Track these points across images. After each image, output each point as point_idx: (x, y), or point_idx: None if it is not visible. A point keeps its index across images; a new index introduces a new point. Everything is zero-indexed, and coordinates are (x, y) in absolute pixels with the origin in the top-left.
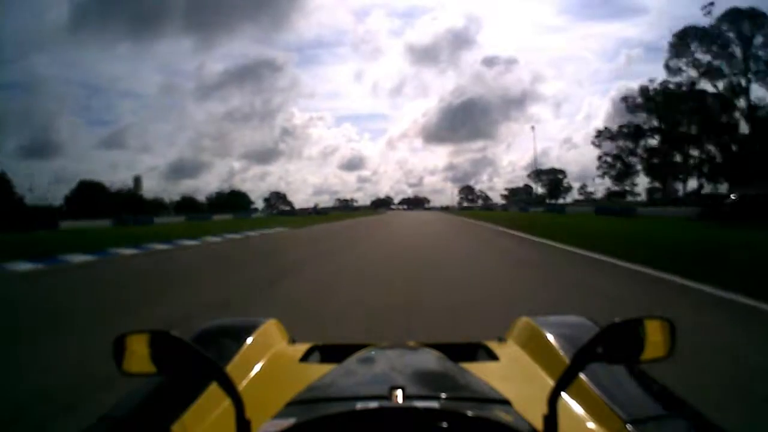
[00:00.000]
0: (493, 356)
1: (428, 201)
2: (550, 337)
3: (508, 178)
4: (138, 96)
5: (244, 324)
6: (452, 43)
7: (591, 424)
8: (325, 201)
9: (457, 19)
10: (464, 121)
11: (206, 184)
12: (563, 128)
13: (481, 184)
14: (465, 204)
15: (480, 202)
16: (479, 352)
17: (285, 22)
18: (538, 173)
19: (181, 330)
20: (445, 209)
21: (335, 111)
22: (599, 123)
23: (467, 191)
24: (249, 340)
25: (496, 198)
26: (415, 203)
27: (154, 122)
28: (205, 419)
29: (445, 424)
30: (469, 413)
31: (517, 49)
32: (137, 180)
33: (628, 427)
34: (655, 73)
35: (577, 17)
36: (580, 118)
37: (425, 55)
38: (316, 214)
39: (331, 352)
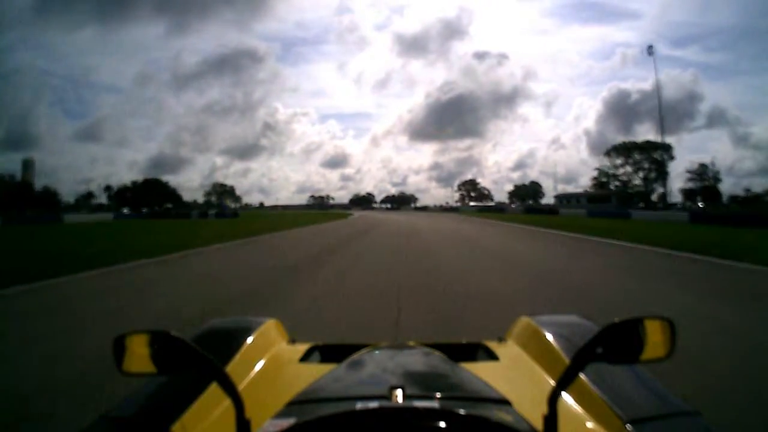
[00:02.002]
0: (493, 356)
1: (416, 199)
2: (550, 337)
3: (494, 179)
4: (111, 87)
5: (244, 324)
6: (440, 37)
7: (591, 424)
8: (302, 199)
9: (446, 12)
10: (450, 118)
11: (188, 181)
12: (551, 128)
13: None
14: (472, 203)
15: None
16: (479, 352)
17: (267, 13)
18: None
19: (182, 330)
20: (449, 210)
21: (320, 109)
22: (589, 124)
23: (470, 186)
24: (249, 340)
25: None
26: (401, 201)
27: (129, 115)
28: (205, 419)
29: (444, 424)
30: (469, 413)
31: (505, 47)
32: (27, 165)
33: (628, 427)
34: (642, 75)
35: (565, 20)
36: (569, 118)
37: (412, 48)
38: (223, 217)
39: (331, 352)
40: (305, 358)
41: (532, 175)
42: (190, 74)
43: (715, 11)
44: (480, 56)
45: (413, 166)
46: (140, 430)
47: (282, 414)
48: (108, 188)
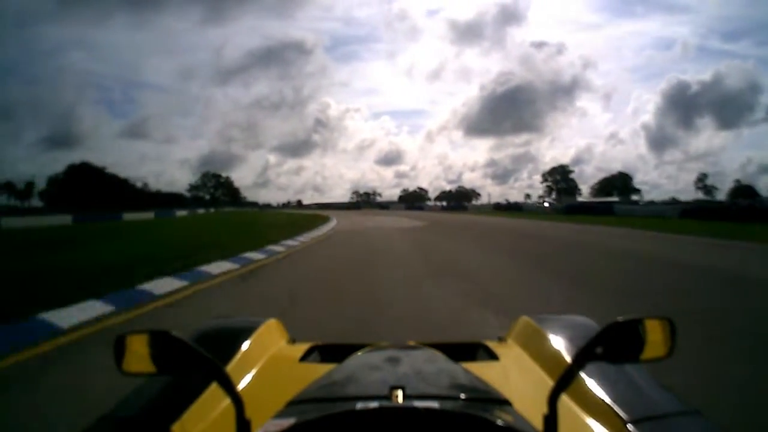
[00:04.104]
0: (493, 356)
1: (477, 195)
2: (550, 337)
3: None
4: (154, 84)
5: (244, 324)
6: (495, 22)
7: (591, 424)
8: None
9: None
10: (506, 111)
11: (241, 178)
12: (608, 123)
13: (520, 181)
14: (547, 201)
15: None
16: (479, 351)
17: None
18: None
19: (182, 330)
20: (509, 208)
21: (373, 106)
22: (647, 117)
23: (559, 175)
24: (249, 340)
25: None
26: (458, 198)
27: (177, 112)
28: (205, 419)
29: (445, 425)
30: (469, 413)
31: (557, 39)
32: None
33: (628, 427)
34: (696, 68)
35: (614, 14)
36: (626, 112)
37: (465, 35)
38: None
39: (331, 352)
40: (305, 358)
41: (588, 171)
42: (237, 68)
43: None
44: (536, 45)
45: (468, 162)
46: (140, 430)
47: (282, 414)
48: (30, 184)
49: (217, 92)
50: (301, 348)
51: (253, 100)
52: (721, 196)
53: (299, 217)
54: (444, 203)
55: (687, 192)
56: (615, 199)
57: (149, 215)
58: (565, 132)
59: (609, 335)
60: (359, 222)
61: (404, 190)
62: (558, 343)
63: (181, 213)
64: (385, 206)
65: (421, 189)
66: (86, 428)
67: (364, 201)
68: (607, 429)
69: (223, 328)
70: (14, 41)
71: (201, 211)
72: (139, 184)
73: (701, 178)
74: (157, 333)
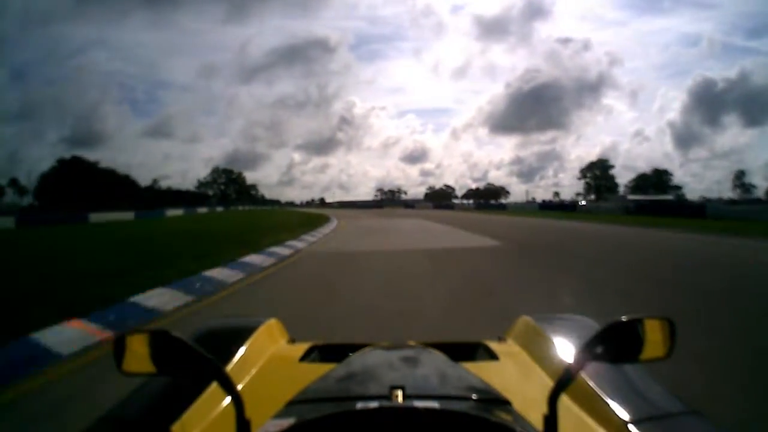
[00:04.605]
0: (493, 356)
1: (506, 193)
2: (550, 337)
3: (575, 174)
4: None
5: (244, 324)
6: (521, 17)
7: (591, 424)
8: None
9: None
10: (531, 109)
11: (266, 177)
12: (634, 120)
13: (546, 179)
14: (584, 202)
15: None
16: (479, 351)
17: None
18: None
19: (181, 330)
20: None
21: (398, 105)
22: (672, 115)
23: (599, 171)
24: (249, 340)
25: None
26: (486, 196)
27: (201, 110)
28: (205, 419)
29: (445, 424)
30: (469, 413)
31: (582, 35)
32: None
33: (628, 427)
34: (721, 65)
35: (638, 11)
36: (652, 110)
37: (490, 31)
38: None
39: (331, 352)
40: (305, 357)
41: (614, 170)
42: (261, 67)
43: None
44: (562, 41)
45: (494, 160)
46: (140, 430)
47: (282, 414)
48: (13, 181)
49: (241, 91)
50: (301, 348)
51: (278, 99)
52: (758, 193)
53: (287, 219)
54: (471, 201)
55: (712, 191)
56: (667, 197)
57: (128, 216)
58: (591, 130)
59: (609, 335)
60: (364, 230)
61: (430, 188)
62: (558, 343)
63: (175, 213)
64: (411, 205)
65: (447, 186)
66: (86, 428)
67: (389, 199)
68: (607, 429)
69: (223, 328)
70: (40, 41)
71: (202, 210)
72: (144, 182)
73: (738, 176)
74: (157, 333)
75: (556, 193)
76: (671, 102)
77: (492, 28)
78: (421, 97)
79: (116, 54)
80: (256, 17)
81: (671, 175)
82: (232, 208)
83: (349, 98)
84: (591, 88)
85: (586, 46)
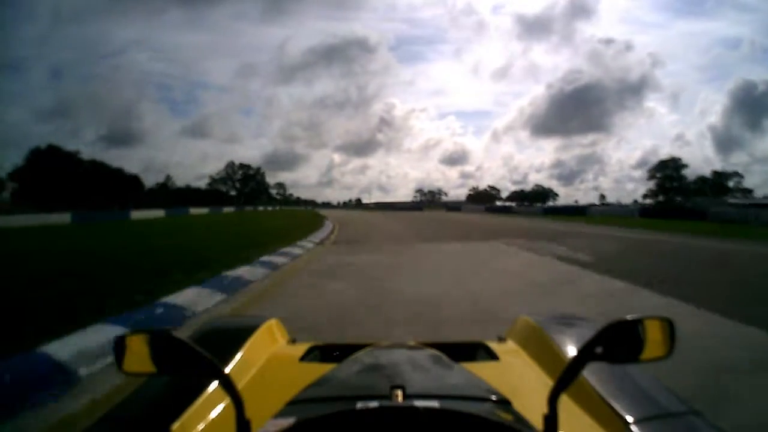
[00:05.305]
0: (493, 356)
1: (555, 195)
2: (550, 337)
3: (615, 177)
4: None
5: (244, 324)
6: (563, 17)
7: (591, 424)
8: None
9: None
10: (573, 111)
11: (305, 177)
12: (675, 124)
13: (586, 183)
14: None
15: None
16: (479, 351)
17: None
18: None
19: (182, 330)
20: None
21: (438, 107)
22: (714, 119)
23: (672, 170)
24: (249, 340)
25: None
26: (532, 199)
27: (240, 111)
28: (205, 419)
29: (445, 424)
30: (469, 413)
31: (622, 37)
32: None
33: (628, 427)
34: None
35: (677, 14)
36: (693, 113)
37: (532, 30)
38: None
39: (331, 352)
40: (305, 357)
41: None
42: (300, 69)
43: None
44: (604, 42)
45: (534, 163)
46: (140, 430)
47: (282, 414)
48: None
49: (280, 91)
50: (301, 348)
51: (317, 99)
52: None
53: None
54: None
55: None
56: None
57: (64, 218)
58: (631, 133)
59: (609, 335)
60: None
61: (473, 189)
62: (558, 343)
63: (148, 215)
64: (455, 207)
65: (491, 188)
66: (86, 428)
67: (428, 200)
68: (607, 429)
69: (223, 328)
70: (82, 41)
71: (200, 211)
72: (152, 178)
73: None
74: (158, 333)
75: (602, 196)
76: (712, 105)
77: (533, 28)
78: (461, 100)
79: (157, 55)
80: (295, 18)
81: (743, 177)
82: (261, 209)
83: (389, 100)
84: (632, 90)
85: (628, 47)
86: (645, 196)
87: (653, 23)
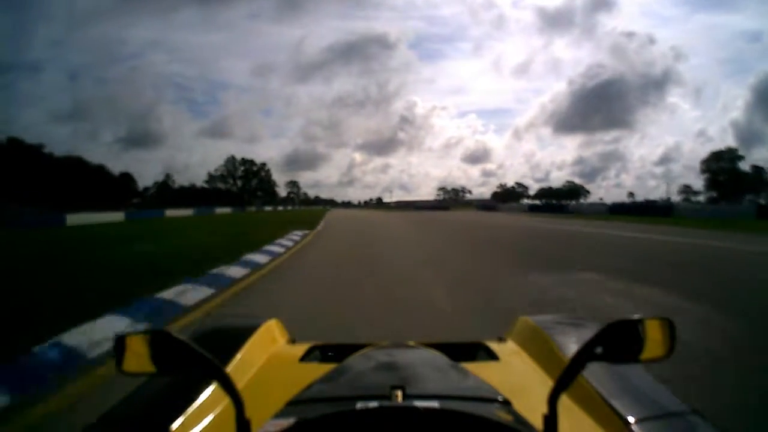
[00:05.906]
0: (493, 356)
1: (587, 193)
2: (550, 337)
3: (637, 174)
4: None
5: (244, 324)
6: (584, 10)
7: (591, 424)
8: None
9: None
10: (595, 107)
11: (326, 177)
12: (697, 120)
13: (608, 180)
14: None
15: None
16: (479, 351)
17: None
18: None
19: (182, 330)
20: None
21: (459, 105)
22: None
23: (728, 162)
24: (249, 340)
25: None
26: (560, 196)
27: (259, 110)
28: (205, 419)
29: (445, 424)
30: (469, 413)
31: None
32: None
33: (628, 427)
34: None
35: (694, 8)
36: (716, 109)
37: (553, 24)
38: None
39: (331, 352)
40: (305, 357)
41: (676, 170)
42: (319, 68)
43: None
44: (626, 35)
45: (556, 161)
46: (140, 430)
47: (282, 414)
48: None
49: (300, 90)
50: (301, 348)
51: (337, 98)
52: None
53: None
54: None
55: None
56: None
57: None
58: (653, 129)
59: (609, 335)
60: None
61: (501, 186)
62: (558, 343)
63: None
64: (489, 206)
65: (519, 185)
66: (86, 428)
67: (452, 199)
68: (607, 429)
69: (223, 328)
70: (100, 44)
71: (187, 213)
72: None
73: None
74: (157, 333)
75: (631, 193)
76: (734, 100)
77: (553, 21)
78: (482, 97)
79: (174, 56)
80: (313, 16)
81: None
82: (267, 209)
83: (410, 98)
84: (655, 86)
85: (651, 40)
86: (694, 192)
87: (672, 17)
